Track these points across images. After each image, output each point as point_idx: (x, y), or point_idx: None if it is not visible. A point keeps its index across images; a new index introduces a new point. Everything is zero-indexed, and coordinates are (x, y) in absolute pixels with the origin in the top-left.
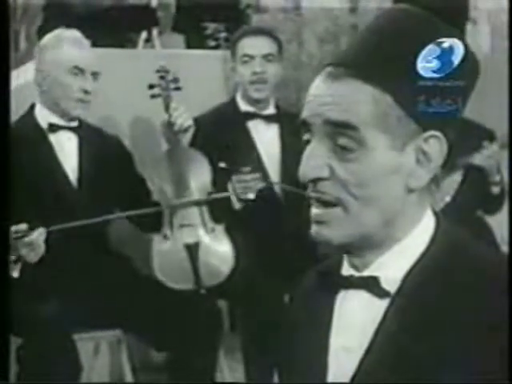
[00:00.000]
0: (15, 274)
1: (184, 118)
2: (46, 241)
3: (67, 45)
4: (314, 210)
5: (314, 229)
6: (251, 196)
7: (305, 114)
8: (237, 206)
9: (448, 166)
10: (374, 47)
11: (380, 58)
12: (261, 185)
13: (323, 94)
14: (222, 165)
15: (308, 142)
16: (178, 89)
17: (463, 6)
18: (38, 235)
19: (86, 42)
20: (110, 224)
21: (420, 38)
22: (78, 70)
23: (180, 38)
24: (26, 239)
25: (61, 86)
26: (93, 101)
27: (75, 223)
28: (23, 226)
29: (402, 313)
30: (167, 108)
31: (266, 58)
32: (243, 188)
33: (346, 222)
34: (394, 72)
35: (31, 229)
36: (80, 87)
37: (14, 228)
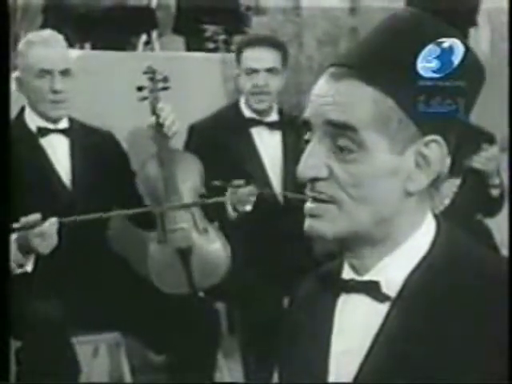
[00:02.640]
0: (29, 268)
1: (172, 120)
2: (59, 232)
3: (35, 48)
4: (308, 205)
5: (307, 223)
6: (248, 208)
7: (307, 113)
8: (232, 215)
9: (448, 169)
10: (377, 49)
11: (382, 59)
12: (255, 196)
13: (325, 94)
14: (216, 183)
15: (308, 141)
16: (166, 88)
17: (472, 10)
18: (50, 225)
19: (58, 40)
20: (109, 226)
21: (420, 39)
22: (45, 72)
23: (179, 41)
24: (38, 229)
25: (33, 90)
26: (90, 103)
27: (87, 216)
28: (36, 216)
29: (402, 317)
30: (154, 109)
31: (270, 71)
32: (239, 201)
33: (338, 218)
34: (396, 74)
35: (43, 219)
36: (49, 88)
37: (24, 218)
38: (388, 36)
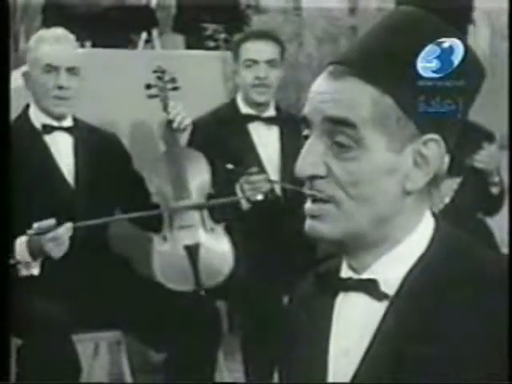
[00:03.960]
0: (35, 271)
1: (183, 116)
2: (71, 237)
3: (45, 44)
4: (308, 205)
5: (308, 223)
6: (260, 197)
7: (305, 110)
8: (245, 206)
9: (448, 167)
10: (376, 47)
11: (381, 58)
12: (269, 185)
13: (324, 92)
14: (230, 166)
15: (307, 138)
16: (175, 89)
17: (467, 7)
18: (65, 231)
19: (69, 39)
20: (110, 224)
21: (419, 37)
22: (51, 68)
23: (180, 39)
24: (52, 234)
25: (38, 85)
26: (92, 101)
27: (99, 220)
28: (51, 221)
29: (400, 315)
30: (165, 107)
31: (270, 63)
32: (252, 189)
33: (338, 218)
34: (395, 73)
35: (58, 224)
36: (55, 84)
37: (38, 223)
38: (387, 34)
